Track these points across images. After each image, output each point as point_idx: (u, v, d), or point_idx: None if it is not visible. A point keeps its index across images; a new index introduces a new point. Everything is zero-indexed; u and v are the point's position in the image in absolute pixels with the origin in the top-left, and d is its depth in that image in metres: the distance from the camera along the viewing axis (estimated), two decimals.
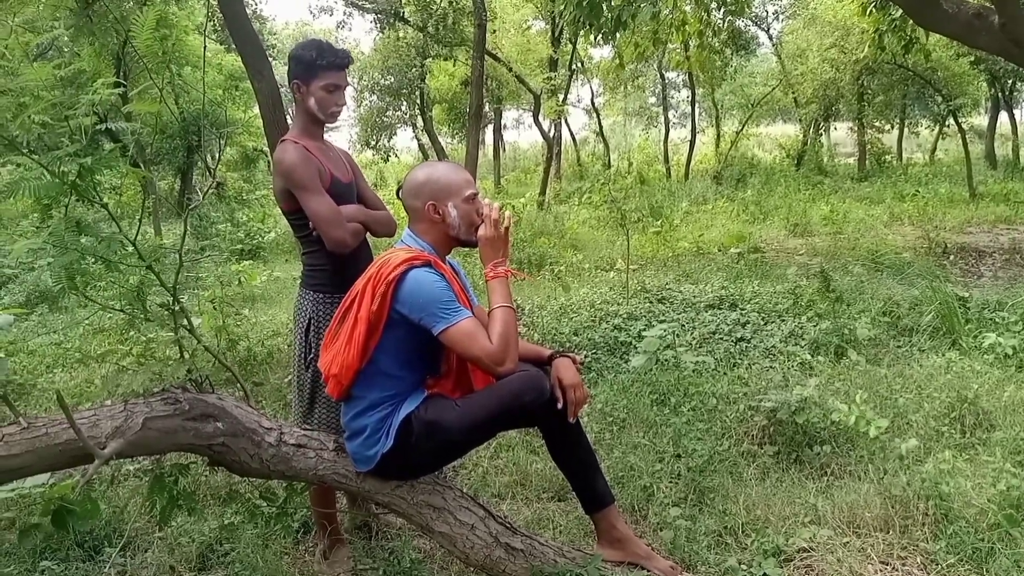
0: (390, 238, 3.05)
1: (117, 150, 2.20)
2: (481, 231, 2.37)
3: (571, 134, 26.21)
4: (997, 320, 5.32)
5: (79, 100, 2.14)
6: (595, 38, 7.53)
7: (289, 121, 4.85)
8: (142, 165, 11.48)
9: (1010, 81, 18.55)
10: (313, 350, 2.83)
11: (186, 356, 2.41)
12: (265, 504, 2.58)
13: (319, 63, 2.74)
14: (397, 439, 2.30)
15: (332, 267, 2.82)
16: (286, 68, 2.87)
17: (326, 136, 2.97)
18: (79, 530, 3.00)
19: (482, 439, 2.54)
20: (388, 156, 16.66)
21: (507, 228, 2.39)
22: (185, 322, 2.27)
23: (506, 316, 2.29)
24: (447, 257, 2.51)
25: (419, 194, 2.39)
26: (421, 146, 23.26)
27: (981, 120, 24.00)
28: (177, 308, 2.22)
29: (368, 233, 2.92)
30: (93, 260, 2.12)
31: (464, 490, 2.59)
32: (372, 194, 3.06)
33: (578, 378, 2.43)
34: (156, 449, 2.25)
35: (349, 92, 2.99)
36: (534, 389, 2.31)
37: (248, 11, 7.28)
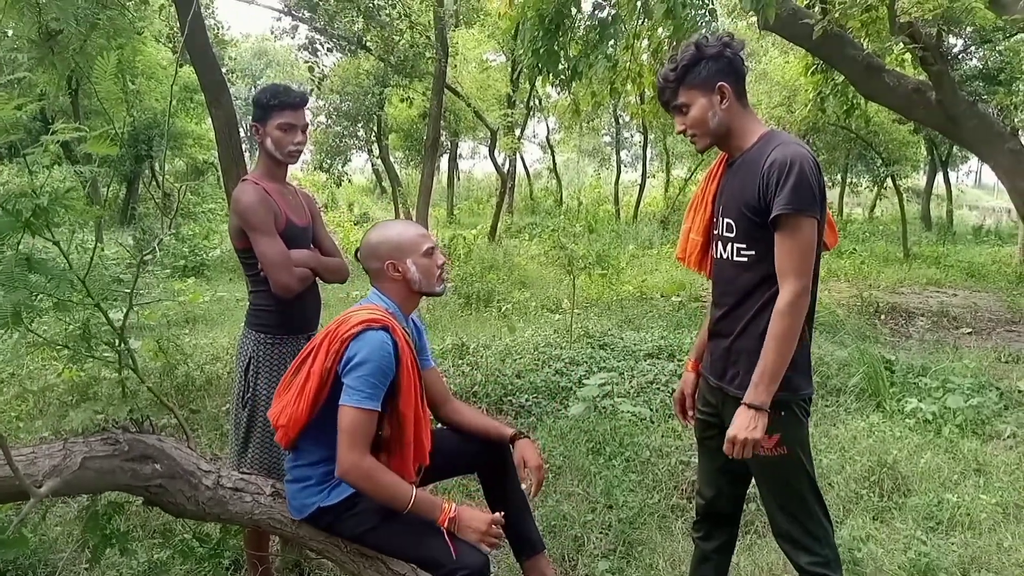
0: (341, 284, 3.10)
1: (75, 188, 2.21)
2: (479, 513, 2.29)
3: (525, 168, 26.54)
4: (920, 385, 5.56)
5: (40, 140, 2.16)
6: (552, 85, 7.70)
7: (244, 148, 4.87)
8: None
9: (947, 146, 19.39)
10: (251, 389, 2.86)
11: (128, 393, 2.41)
12: (199, 545, 2.58)
13: (272, 103, 2.82)
14: (340, 502, 2.32)
15: (277, 309, 2.86)
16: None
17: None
18: (3, 560, 2.95)
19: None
20: (340, 181, 16.61)
21: (491, 534, 2.27)
22: (131, 362, 2.28)
23: (403, 488, 2.22)
24: (412, 315, 2.56)
25: (377, 254, 2.41)
26: (376, 171, 23.26)
27: (919, 180, 24.98)
28: (123, 348, 2.23)
29: (319, 279, 2.97)
30: (41, 298, 2.13)
31: None
32: (329, 240, 3.11)
33: (541, 459, 2.54)
34: (93, 488, 2.25)
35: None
36: (472, 562, 2.22)
37: (210, 35, 7.29)
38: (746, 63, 2.30)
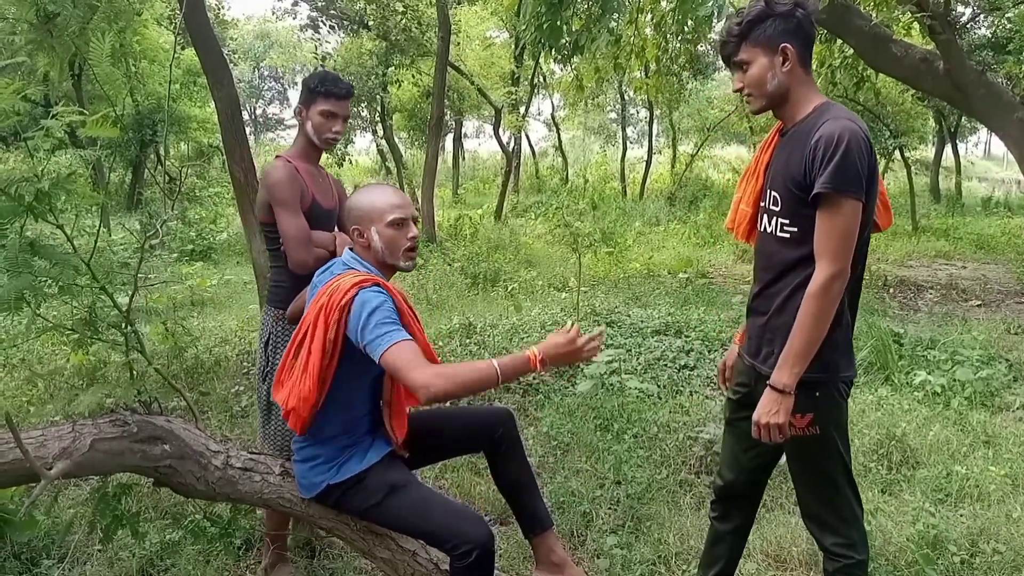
0: None
1: (77, 172, 2.21)
2: (559, 338, 2.20)
3: (530, 146, 26.39)
4: (929, 358, 5.54)
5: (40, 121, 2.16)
6: (555, 61, 7.65)
7: (249, 131, 4.86)
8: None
9: (955, 117, 19.19)
10: (271, 364, 2.92)
11: (135, 375, 2.42)
12: (210, 525, 2.60)
13: (319, 90, 2.91)
14: (348, 479, 2.32)
15: (293, 285, 2.89)
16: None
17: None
18: (16, 542, 2.99)
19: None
20: (343, 161, 16.53)
21: (583, 347, 2.20)
22: (138, 344, 2.29)
23: (481, 367, 2.12)
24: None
25: (348, 217, 2.41)
26: (380, 151, 23.17)
27: (928, 152, 24.75)
28: (130, 330, 2.24)
29: None
30: (47, 283, 2.13)
31: None
32: None
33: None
34: (103, 470, 2.26)
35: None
36: (477, 537, 2.21)
37: (211, 15, 7.25)
38: (816, 26, 2.17)
